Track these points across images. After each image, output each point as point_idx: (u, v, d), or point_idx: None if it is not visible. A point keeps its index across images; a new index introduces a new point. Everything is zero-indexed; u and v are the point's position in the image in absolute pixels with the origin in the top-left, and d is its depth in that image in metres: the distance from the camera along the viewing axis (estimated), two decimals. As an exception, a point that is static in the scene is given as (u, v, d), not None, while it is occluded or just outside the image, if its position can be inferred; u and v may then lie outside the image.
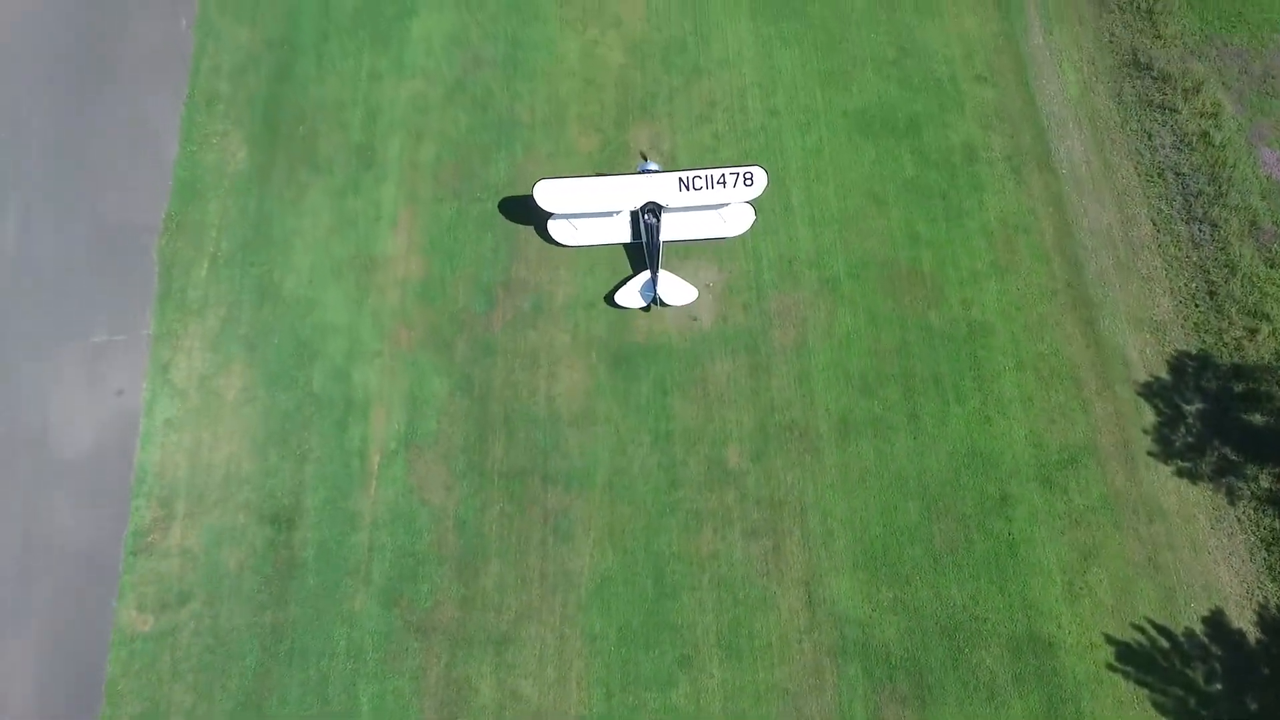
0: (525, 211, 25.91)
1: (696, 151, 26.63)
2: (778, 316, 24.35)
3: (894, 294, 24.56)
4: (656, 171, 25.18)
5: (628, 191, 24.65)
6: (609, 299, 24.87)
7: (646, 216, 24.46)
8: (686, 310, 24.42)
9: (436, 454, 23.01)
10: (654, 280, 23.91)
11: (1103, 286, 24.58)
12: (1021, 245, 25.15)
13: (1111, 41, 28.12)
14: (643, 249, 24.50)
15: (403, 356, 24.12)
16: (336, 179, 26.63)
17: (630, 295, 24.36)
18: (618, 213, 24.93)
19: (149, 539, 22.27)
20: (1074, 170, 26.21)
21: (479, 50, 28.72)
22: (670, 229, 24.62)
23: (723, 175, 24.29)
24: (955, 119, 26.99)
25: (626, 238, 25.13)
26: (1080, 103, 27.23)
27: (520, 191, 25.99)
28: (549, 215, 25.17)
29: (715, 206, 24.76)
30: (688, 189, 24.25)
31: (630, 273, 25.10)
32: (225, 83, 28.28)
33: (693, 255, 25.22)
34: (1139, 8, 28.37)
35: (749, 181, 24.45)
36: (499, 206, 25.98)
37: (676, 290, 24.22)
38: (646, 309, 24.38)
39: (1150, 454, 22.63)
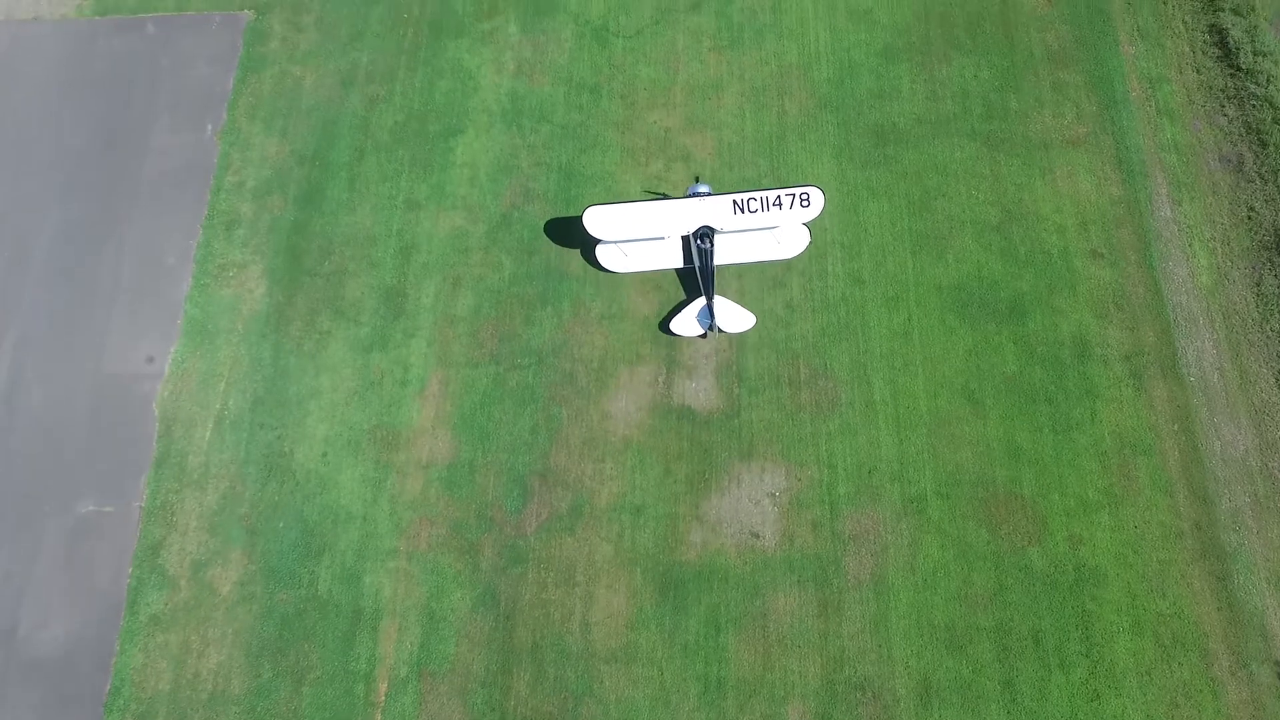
0: (569, 383, 22.11)
1: (767, 324, 22.65)
2: (853, 541, 20.32)
3: (989, 522, 20.44)
4: (708, 194, 22.66)
5: (680, 216, 22.58)
6: (664, 327, 22.45)
7: (699, 241, 22.23)
8: (747, 525, 20.51)
9: (452, 686, 19.25)
10: (710, 306, 21.82)
11: (1237, 531, 20.26)
12: (1140, 470, 20.86)
13: (1250, 218, 23.61)
14: (695, 274, 22.46)
15: (421, 559, 20.37)
16: (362, 329, 22.90)
17: (686, 323, 22.21)
18: (668, 237, 22.81)
19: (120, 767, 18.86)
20: (1204, 378, 21.84)
21: (529, 181, 24.81)
22: (724, 253, 22.48)
23: (778, 197, 22.40)
24: (1066, 303, 22.68)
25: (678, 263, 22.85)
26: (1213, 293, 22.80)
27: (562, 352, 22.34)
28: (598, 241, 22.87)
29: (770, 229, 22.64)
30: (742, 212, 22.30)
31: (684, 297, 22.90)
32: (248, 203, 24.60)
33: (757, 455, 21.26)
34: (1283, 179, 23.89)
35: (805, 202, 22.46)
36: (538, 371, 22.18)
37: (734, 317, 22.15)
38: (704, 336, 22.30)
39: (1293, 760, 18.48)
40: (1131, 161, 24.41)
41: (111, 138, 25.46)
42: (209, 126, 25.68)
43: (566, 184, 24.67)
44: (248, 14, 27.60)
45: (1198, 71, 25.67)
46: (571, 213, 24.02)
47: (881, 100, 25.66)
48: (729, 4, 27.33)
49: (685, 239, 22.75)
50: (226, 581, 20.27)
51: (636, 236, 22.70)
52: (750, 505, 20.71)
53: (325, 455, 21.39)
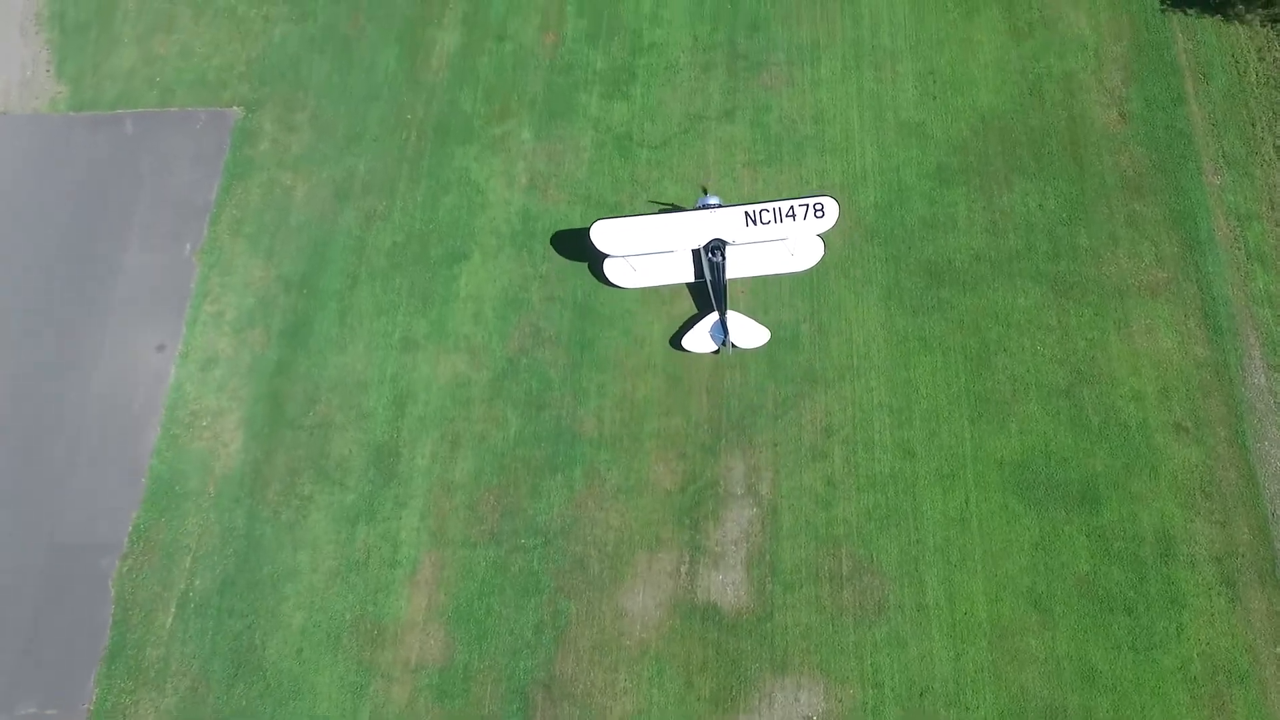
0: (579, 571, 19.00)
1: (805, 506, 19.48)
2: (902, 782, 17.32)
3: (1060, 763, 17.39)
4: (719, 206, 21.36)
5: (691, 229, 21.14)
6: (675, 343, 21.02)
7: (711, 254, 21.04)
8: (781, 759, 17.45)
9: None
10: (723, 322, 20.56)
11: (1350, 786, 17.20)
12: (1237, 704, 17.62)
13: (1356, 390, 20.45)
14: (706, 288, 21.06)
15: (405, 788, 17.50)
16: (348, 495, 19.89)
17: (700, 339, 20.85)
18: (678, 250, 21.43)
19: None
20: (1307, 589, 18.71)
21: (539, 319, 21.72)
22: (735, 265, 21.17)
23: (792, 208, 21.03)
24: (1146, 488, 19.47)
25: (689, 277, 21.49)
26: (1315, 482, 19.66)
27: (572, 532, 19.28)
28: (605, 256, 21.43)
29: (783, 240, 21.24)
30: (754, 223, 21.07)
31: (695, 311, 21.54)
32: (227, 337, 21.62)
33: (792, 668, 18.18)
34: (1393, 343, 20.61)
35: (820, 213, 21.06)
36: (544, 555, 19.12)
37: (748, 332, 20.81)
38: (718, 352, 20.88)
39: None
40: (1219, 315, 21.15)
41: (81, 254, 22.48)
42: (188, 244, 22.68)
43: (580, 323, 21.58)
44: (236, 110, 24.57)
45: (1292, 208, 22.41)
46: (587, 361, 21.09)
47: (935, 231, 22.46)
48: (765, 113, 24.15)
49: (696, 252, 21.28)
50: (183, 806, 17.42)
51: (646, 250, 21.18)
52: (784, 731, 17.69)
53: (301, 651, 18.43)
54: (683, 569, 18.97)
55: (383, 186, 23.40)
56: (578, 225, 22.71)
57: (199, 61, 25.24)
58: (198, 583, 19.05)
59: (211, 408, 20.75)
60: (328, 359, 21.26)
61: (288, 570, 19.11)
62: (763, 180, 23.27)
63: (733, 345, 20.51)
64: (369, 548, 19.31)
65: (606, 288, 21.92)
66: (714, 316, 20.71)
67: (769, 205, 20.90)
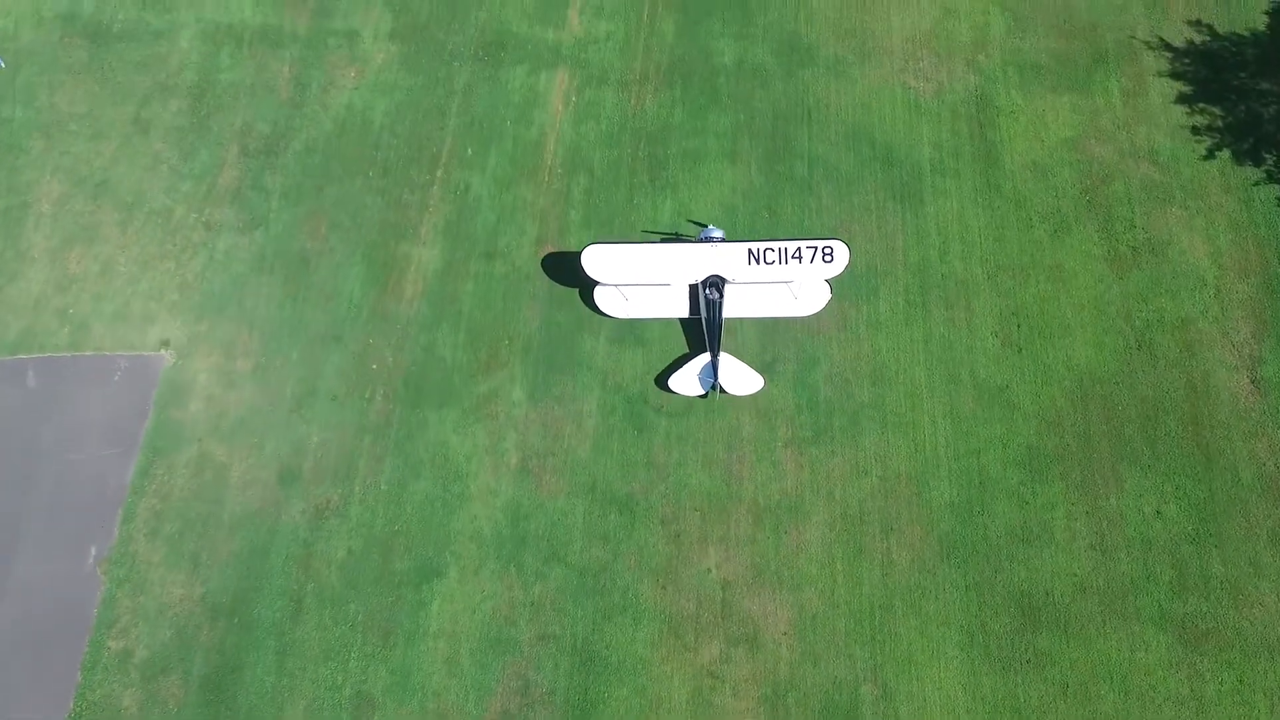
0: None
1: None
2: None
3: None
4: (721, 240, 20.13)
5: (689, 262, 20.01)
6: (660, 383, 19.39)
7: (708, 291, 19.73)
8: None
9: None
10: (714, 364, 19.26)
11: None
12: None
13: None
14: (701, 326, 19.77)
15: None
16: None
17: (686, 381, 19.48)
18: (674, 284, 20.12)
19: None
20: None
21: (528, 668, 16.92)
22: (734, 305, 19.82)
23: (799, 249, 19.86)
24: None
25: (684, 313, 20.19)
26: None
27: None
28: (596, 283, 20.07)
29: (787, 282, 19.89)
30: (758, 262, 19.91)
31: (688, 350, 19.85)
32: (134, 689, 16.72)
33: None
34: None
35: (828, 257, 19.80)
36: None
37: (740, 378, 19.36)
38: (704, 396, 19.37)
39: None
40: (1399, 688, 16.40)
41: (-39, 567, 17.87)
42: (93, 549, 17.89)
43: (583, 676, 16.76)
44: (165, 355, 19.79)
45: None
46: (588, 722, 16.32)
47: (1027, 547, 17.63)
48: (812, 368, 19.39)
49: (693, 287, 20.06)
50: None
51: (640, 281, 19.95)
52: None
53: None
54: None
55: (338, 468, 18.61)
56: (579, 526, 18.04)
57: (122, 285, 20.46)
58: None
59: (107, 798, 16.10)
60: (260, 722, 16.59)
61: None
62: (810, 467, 18.49)
63: (721, 389, 19.05)
64: None
65: (618, 623, 17.18)
66: (705, 358, 19.41)
67: (774, 244, 20.00)
